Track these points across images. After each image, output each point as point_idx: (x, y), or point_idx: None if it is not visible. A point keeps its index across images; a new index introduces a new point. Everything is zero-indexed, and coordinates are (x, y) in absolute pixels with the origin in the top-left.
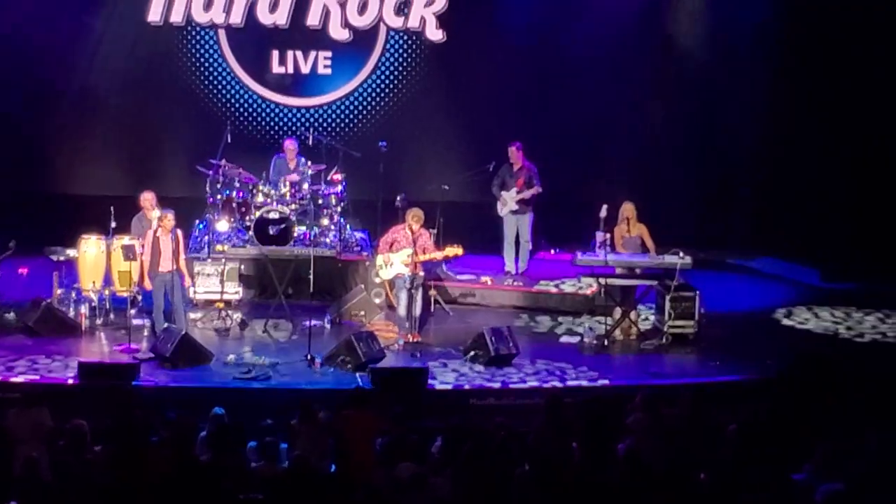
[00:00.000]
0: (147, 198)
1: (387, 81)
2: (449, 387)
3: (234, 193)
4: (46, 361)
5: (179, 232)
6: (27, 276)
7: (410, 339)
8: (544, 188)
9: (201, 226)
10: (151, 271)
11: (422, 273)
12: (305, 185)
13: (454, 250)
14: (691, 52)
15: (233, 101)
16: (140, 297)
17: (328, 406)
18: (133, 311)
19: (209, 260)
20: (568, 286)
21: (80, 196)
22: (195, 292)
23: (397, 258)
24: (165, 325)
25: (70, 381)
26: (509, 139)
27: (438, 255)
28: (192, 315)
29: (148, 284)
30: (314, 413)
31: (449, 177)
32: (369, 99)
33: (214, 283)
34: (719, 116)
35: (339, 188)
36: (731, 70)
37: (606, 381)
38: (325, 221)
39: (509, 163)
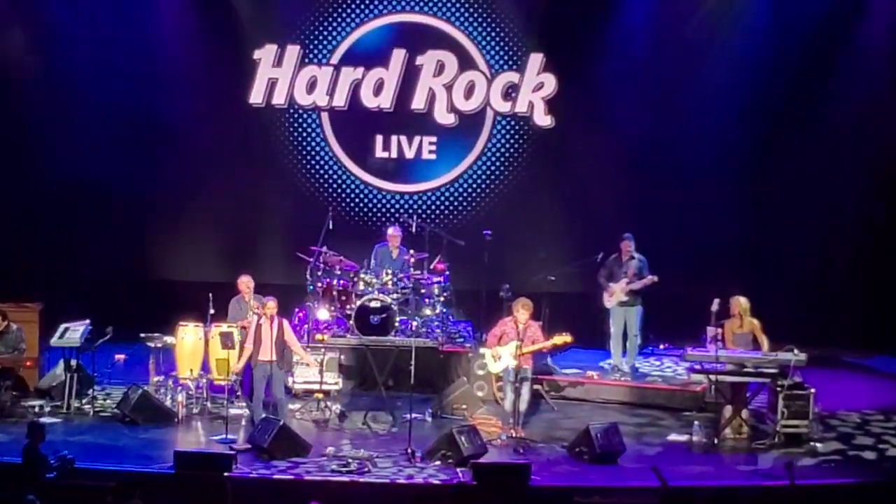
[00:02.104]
0: (244, 281)
1: (493, 167)
2: (553, 483)
3: (335, 281)
4: (142, 450)
5: (285, 322)
6: (124, 363)
7: (514, 434)
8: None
9: (301, 314)
10: (252, 360)
11: (528, 366)
12: (407, 274)
13: (563, 338)
14: (795, 145)
15: (334, 185)
16: (239, 386)
17: (429, 502)
18: (231, 401)
19: (309, 349)
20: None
21: (178, 282)
22: (294, 382)
23: (505, 351)
24: (264, 415)
25: (165, 471)
26: (617, 229)
27: (547, 344)
28: (290, 405)
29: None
30: None
31: (555, 267)
32: (474, 185)
33: (314, 373)
34: (831, 212)
35: (442, 277)
36: (839, 164)
37: (717, 482)
38: (428, 311)
39: (618, 254)
